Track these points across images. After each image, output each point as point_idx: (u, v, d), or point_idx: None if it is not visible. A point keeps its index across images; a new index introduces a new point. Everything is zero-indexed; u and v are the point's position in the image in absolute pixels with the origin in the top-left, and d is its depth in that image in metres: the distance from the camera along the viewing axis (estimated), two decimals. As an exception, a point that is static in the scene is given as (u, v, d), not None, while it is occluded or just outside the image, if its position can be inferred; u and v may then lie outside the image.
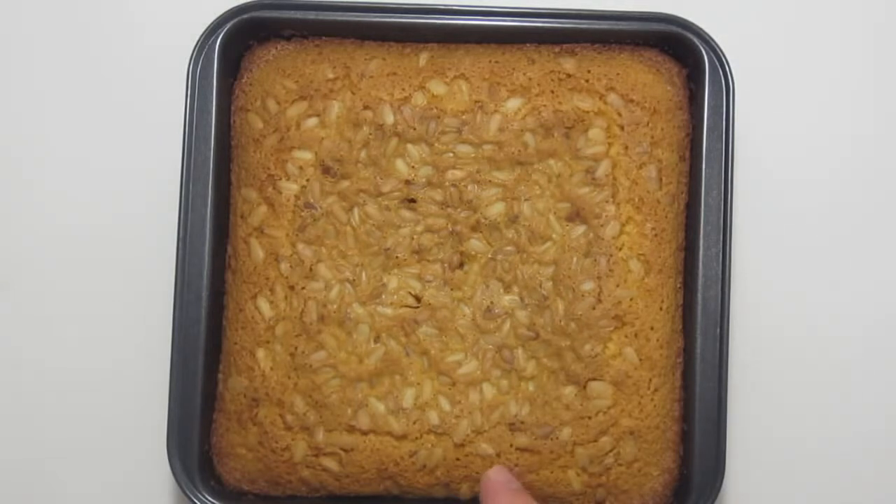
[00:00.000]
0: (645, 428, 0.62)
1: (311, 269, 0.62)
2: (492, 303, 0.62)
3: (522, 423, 0.61)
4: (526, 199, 0.62)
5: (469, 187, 0.62)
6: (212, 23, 0.63)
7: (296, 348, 0.62)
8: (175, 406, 0.61)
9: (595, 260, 0.61)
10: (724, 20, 0.68)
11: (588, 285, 0.61)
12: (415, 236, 0.62)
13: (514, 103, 0.62)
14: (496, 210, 0.62)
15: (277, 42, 0.64)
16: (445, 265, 0.62)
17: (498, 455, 0.61)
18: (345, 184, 0.62)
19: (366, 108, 0.62)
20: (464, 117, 0.62)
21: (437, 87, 0.62)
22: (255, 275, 0.62)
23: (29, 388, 0.69)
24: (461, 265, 0.62)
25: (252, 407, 0.62)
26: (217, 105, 0.62)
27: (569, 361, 0.61)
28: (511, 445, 0.61)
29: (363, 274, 0.62)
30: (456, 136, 0.62)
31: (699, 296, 0.62)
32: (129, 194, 0.69)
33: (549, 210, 0.62)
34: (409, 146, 0.62)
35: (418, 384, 0.62)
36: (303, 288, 0.62)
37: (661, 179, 0.62)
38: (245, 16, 0.63)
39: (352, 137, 0.62)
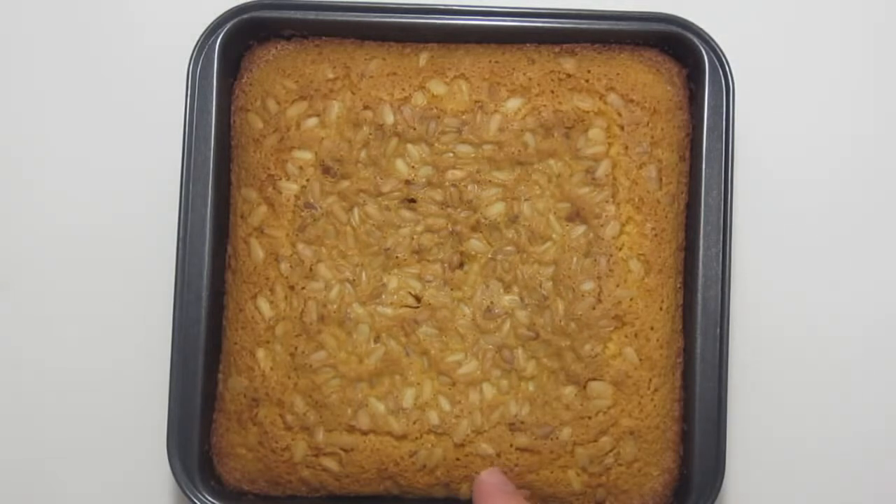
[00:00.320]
0: (645, 428, 0.62)
1: (311, 269, 0.62)
2: (492, 303, 0.62)
3: (522, 423, 0.61)
4: (526, 199, 0.62)
5: (469, 187, 0.62)
6: (212, 23, 0.63)
7: (296, 348, 0.62)
8: (175, 406, 0.61)
9: (595, 260, 0.61)
10: (724, 20, 0.68)
11: (588, 285, 0.61)
12: (415, 236, 0.62)
13: (514, 103, 0.62)
14: (496, 210, 0.62)
15: (277, 42, 0.64)
16: (445, 265, 0.62)
17: (498, 455, 0.61)
18: (345, 184, 0.62)
19: (366, 108, 0.62)
20: (464, 117, 0.62)
21: (437, 87, 0.62)
22: (255, 275, 0.62)
23: (29, 388, 0.69)
24: (461, 265, 0.62)
25: (252, 407, 0.62)
26: (217, 105, 0.62)
27: (569, 361, 0.61)
28: (511, 445, 0.61)
29: (363, 274, 0.62)
30: (456, 136, 0.62)
31: (699, 296, 0.62)
32: (129, 194, 0.69)
33: (549, 210, 0.62)
34: (409, 146, 0.62)
35: (418, 384, 0.62)
36: (303, 288, 0.62)
37: (661, 179, 0.62)
38: (245, 16, 0.63)
39: (352, 137, 0.62)
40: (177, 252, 0.62)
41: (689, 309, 0.63)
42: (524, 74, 0.63)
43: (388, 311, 0.62)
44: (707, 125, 0.62)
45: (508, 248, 0.62)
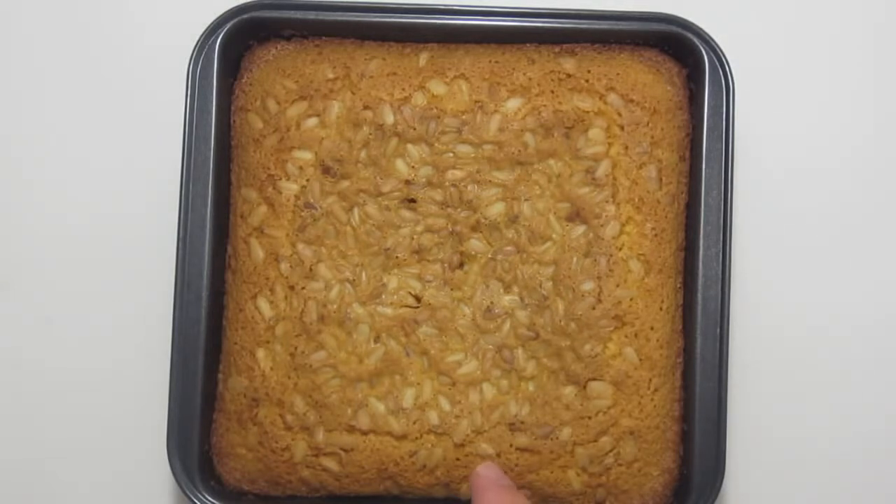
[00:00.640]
0: (645, 428, 0.62)
1: (311, 269, 0.62)
2: (492, 303, 0.62)
3: (522, 423, 0.61)
4: (526, 199, 0.62)
5: (469, 187, 0.62)
6: (212, 23, 0.63)
7: (296, 348, 0.62)
8: (175, 406, 0.61)
9: (595, 260, 0.61)
10: (724, 20, 0.68)
11: (588, 285, 0.61)
12: (415, 236, 0.62)
13: (514, 103, 0.62)
14: (496, 210, 0.62)
15: (277, 42, 0.64)
16: (445, 265, 0.62)
17: (498, 455, 0.61)
18: (345, 184, 0.62)
19: (366, 108, 0.62)
20: (464, 117, 0.62)
21: (437, 87, 0.62)
22: (255, 275, 0.62)
23: (29, 388, 0.69)
24: (461, 265, 0.62)
25: (252, 407, 0.62)
26: (217, 105, 0.62)
27: (569, 361, 0.61)
28: (511, 445, 0.61)
29: (363, 274, 0.62)
30: (456, 136, 0.62)
31: (699, 296, 0.62)
32: (129, 194, 0.69)
33: (549, 210, 0.62)
34: (409, 146, 0.62)
35: (418, 384, 0.62)
36: (303, 288, 0.62)
37: (661, 179, 0.62)
38: (245, 16, 0.63)
39: (352, 137, 0.62)
40: (177, 252, 0.62)
41: (689, 309, 0.63)
42: (524, 74, 0.63)
43: (388, 311, 0.62)
44: (707, 125, 0.62)
45: (508, 248, 0.62)
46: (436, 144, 0.62)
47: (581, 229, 0.61)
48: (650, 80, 0.63)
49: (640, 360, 0.61)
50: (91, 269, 0.69)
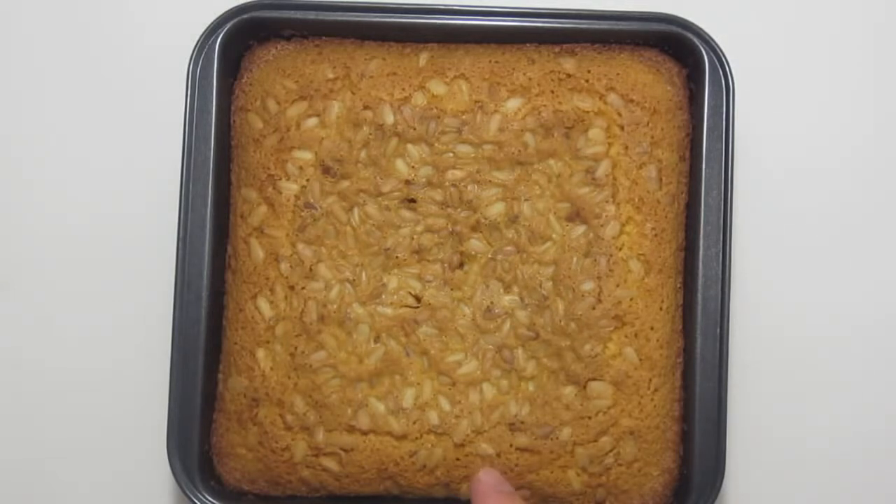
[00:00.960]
0: (645, 428, 0.62)
1: (311, 269, 0.62)
2: (492, 303, 0.62)
3: (522, 423, 0.61)
4: (526, 199, 0.62)
5: (469, 187, 0.62)
6: (212, 23, 0.63)
7: (296, 348, 0.62)
8: (175, 406, 0.61)
9: (595, 260, 0.61)
10: (724, 20, 0.68)
11: (588, 285, 0.61)
12: (415, 236, 0.62)
13: (514, 103, 0.62)
14: (496, 210, 0.62)
15: (277, 42, 0.64)
16: (445, 265, 0.62)
17: (498, 455, 0.61)
18: (345, 184, 0.62)
19: (366, 108, 0.62)
20: (464, 117, 0.62)
21: (437, 87, 0.62)
22: (255, 275, 0.62)
23: (29, 388, 0.69)
24: (461, 265, 0.62)
25: (252, 407, 0.62)
26: (217, 105, 0.62)
27: (569, 361, 0.61)
28: (511, 445, 0.61)
29: (363, 274, 0.62)
30: (456, 136, 0.62)
31: (699, 296, 0.62)
32: (129, 194, 0.69)
33: (549, 210, 0.62)
34: (409, 146, 0.62)
35: (418, 384, 0.62)
36: (303, 288, 0.62)
37: (661, 179, 0.62)
38: (245, 16, 0.63)
39: (352, 137, 0.62)
40: (177, 252, 0.62)
41: (689, 309, 0.63)
42: (524, 74, 0.63)
43: (388, 311, 0.62)
44: (707, 125, 0.62)
45: (508, 248, 0.62)
46: (436, 144, 0.62)
47: (581, 229, 0.61)
48: (650, 80, 0.63)
49: (640, 360, 0.61)
50: (91, 269, 0.69)
